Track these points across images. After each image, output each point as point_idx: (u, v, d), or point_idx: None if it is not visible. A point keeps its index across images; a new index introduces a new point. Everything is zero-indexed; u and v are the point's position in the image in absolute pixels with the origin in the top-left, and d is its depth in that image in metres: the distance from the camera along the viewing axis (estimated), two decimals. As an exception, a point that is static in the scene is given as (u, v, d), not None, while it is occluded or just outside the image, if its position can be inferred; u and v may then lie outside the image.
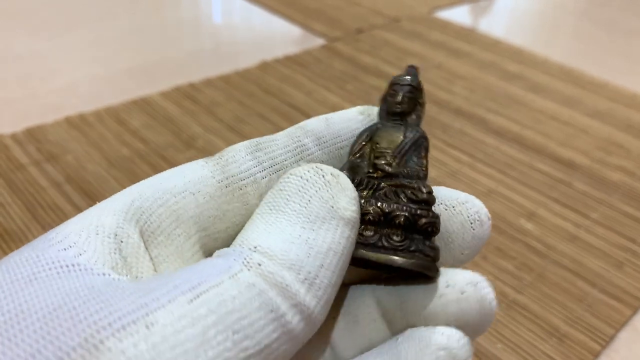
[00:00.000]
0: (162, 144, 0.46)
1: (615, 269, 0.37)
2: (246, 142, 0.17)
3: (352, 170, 0.17)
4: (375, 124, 0.18)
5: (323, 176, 0.15)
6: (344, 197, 0.14)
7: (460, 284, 0.15)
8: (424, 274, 0.15)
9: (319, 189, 0.14)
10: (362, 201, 0.16)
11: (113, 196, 0.15)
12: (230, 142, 0.46)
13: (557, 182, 0.44)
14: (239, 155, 0.16)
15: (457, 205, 0.17)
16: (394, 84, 0.18)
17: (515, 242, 0.38)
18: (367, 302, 0.16)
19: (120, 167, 0.43)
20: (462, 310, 0.15)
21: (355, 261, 0.16)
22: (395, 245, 0.15)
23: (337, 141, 0.17)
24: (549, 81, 0.59)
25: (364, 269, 0.17)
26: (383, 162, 0.17)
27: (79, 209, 0.38)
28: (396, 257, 0.15)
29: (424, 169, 0.17)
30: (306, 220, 0.14)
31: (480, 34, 0.69)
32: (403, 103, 0.18)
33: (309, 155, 0.17)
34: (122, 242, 0.14)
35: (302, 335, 0.13)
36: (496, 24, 0.75)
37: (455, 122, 0.51)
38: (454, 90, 0.56)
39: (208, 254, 0.16)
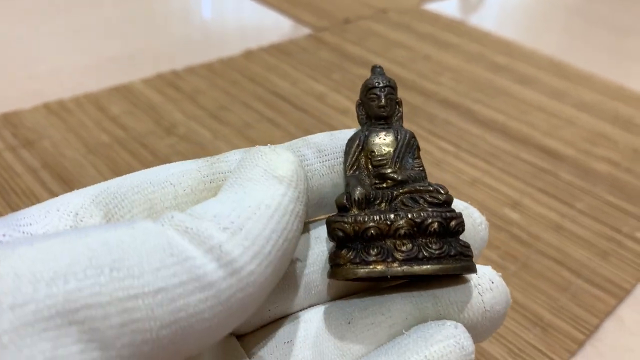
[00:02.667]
0: (143, 131, 0.45)
1: (600, 258, 0.36)
2: (246, 148, 0.16)
3: (361, 185, 0.16)
4: (361, 131, 0.18)
5: (259, 149, 0.15)
6: (277, 160, 0.14)
7: (488, 274, 0.16)
8: (467, 273, 0.16)
9: (254, 159, 0.14)
10: (392, 216, 0.15)
11: (96, 184, 0.15)
12: (212, 130, 0.45)
13: (543, 172, 0.44)
14: (233, 157, 0.16)
15: (464, 210, 0.17)
16: (372, 88, 0.18)
17: (500, 231, 0.38)
18: (387, 306, 0.16)
19: (98, 153, 0.42)
20: (494, 298, 0.15)
21: (400, 278, 0.16)
22: (436, 254, 0.15)
23: (339, 155, 0.17)
24: (536, 73, 0.59)
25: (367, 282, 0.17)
26: (389, 170, 0.17)
27: (54, 195, 0.37)
28: (444, 266, 0.15)
29: (422, 168, 0.17)
30: (237, 186, 0.13)
31: (470, 26, 0.69)
32: (387, 105, 0.18)
33: (307, 165, 0.16)
34: (81, 221, 0.13)
35: (226, 287, 0.12)
36: (486, 17, 0.74)
37: (441, 112, 0.51)
38: (441, 81, 0.56)
39: None
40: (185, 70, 0.54)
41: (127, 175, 0.15)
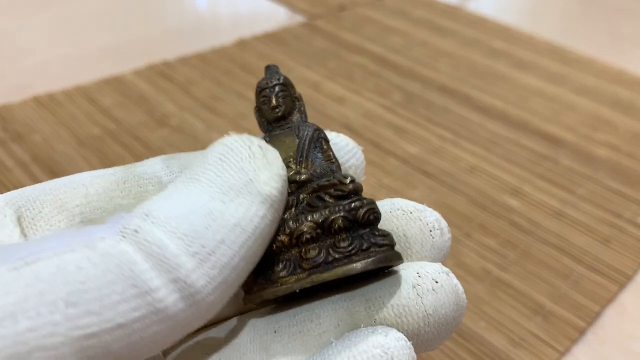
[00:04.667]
0: (135, 123, 0.44)
1: (601, 245, 0.36)
2: (165, 155, 0.16)
3: None
4: (262, 139, 0.16)
5: (249, 147, 0.13)
6: (267, 172, 0.13)
7: (432, 273, 0.14)
8: (389, 265, 0.14)
9: (241, 159, 0.13)
10: (291, 223, 0.14)
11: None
12: (205, 120, 0.45)
13: (543, 158, 0.43)
14: (150, 162, 0.16)
15: (414, 211, 0.15)
16: (262, 90, 0.17)
17: (499, 218, 0.37)
18: (317, 312, 0.14)
19: (90, 146, 0.41)
20: (438, 300, 0.14)
21: (311, 290, 0.14)
22: (346, 252, 0.13)
23: None
24: (535, 58, 0.58)
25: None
26: (291, 172, 0.15)
27: (45, 190, 0.36)
28: (354, 264, 0.13)
29: (333, 160, 0.16)
30: (217, 191, 0.12)
31: (467, 11, 0.68)
32: (280, 105, 0.16)
33: None
34: None
35: (183, 318, 0.11)
36: (484, 2, 0.73)
37: (438, 99, 0.50)
38: (438, 68, 0.55)
39: None
40: (178, 60, 0.53)
41: (46, 182, 0.16)
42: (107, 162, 0.40)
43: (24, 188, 0.15)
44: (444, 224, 0.16)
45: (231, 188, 0.12)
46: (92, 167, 0.39)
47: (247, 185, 0.12)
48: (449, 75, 0.54)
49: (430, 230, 0.15)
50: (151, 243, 0.11)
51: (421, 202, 0.16)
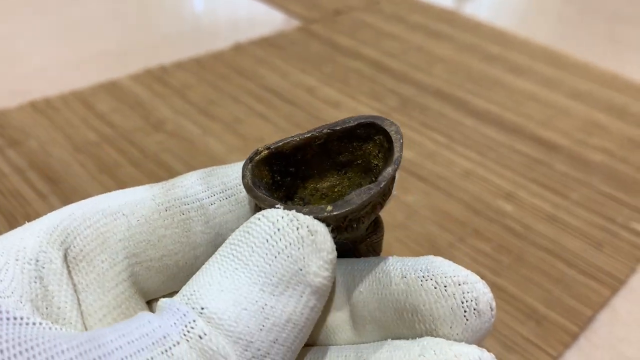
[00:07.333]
0: (131, 127, 0.44)
1: (594, 249, 0.36)
2: (201, 170, 0.15)
3: None
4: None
5: (297, 228, 0.12)
6: (317, 260, 0.12)
7: None
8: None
9: (290, 243, 0.12)
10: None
11: (43, 216, 0.14)
12: (202, 125, 0.45)
13: (537, 163, 0.43)
14: (189, 180, 0.15)
15: (450, 286, 0.13)
16: None
17: (493, 223, 0.37)
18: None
19: (86, 151, 0.41)
20: None
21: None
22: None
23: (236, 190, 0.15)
24: (529, 62, 0.58)
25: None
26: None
27: (41, 195, 0.36)
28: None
29: None
30: (267, 282, 0.12)
31: (463, 16, 0.68)
32: None
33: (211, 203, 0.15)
34: (43, 268, 0.12)
35: None
36: (479, 7, 0.73)
37: (434, 103, 0.50)
38: (434, 72, 0.55)
39: (137, 285, 0.14)
40: (174, 65, 0.53)
41: (80, 202, 0.14)
42: (103, 167, 0.40)
43: (61, 213, 0.14)
44: (484, 302, 0.13)
45: (281, 279, 0.12)
46: (89, 173, 0.39)
47: (297, 275, 0.12)
48: (444, 79, 0.54)
49: (465, 311, 0.13)
50: (215, 352, 0.11)
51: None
